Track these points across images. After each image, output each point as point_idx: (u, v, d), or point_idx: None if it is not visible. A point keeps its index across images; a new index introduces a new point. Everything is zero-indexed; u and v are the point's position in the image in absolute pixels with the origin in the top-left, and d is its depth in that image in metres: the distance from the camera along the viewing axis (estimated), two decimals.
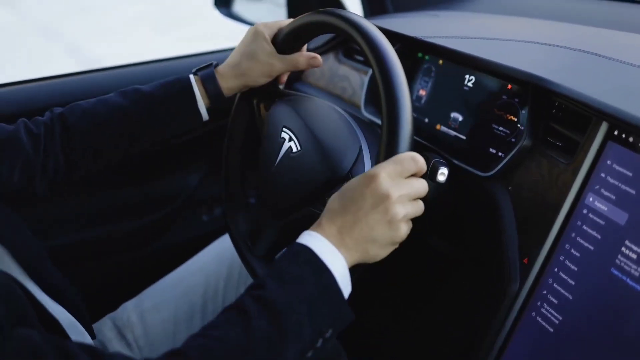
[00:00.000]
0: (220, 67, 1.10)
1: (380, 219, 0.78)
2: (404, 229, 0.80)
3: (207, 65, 1.10)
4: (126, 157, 1.10)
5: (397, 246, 0.82)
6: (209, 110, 1.10)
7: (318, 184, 0.97)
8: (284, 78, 1.16)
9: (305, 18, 1.02)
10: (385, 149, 0.83)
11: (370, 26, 0.90)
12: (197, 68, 1.10)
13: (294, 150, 1.01)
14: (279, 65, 1.08)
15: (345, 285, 0.77)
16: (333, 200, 0.82)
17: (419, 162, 0.81)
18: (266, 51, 1.07)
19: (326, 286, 0.75)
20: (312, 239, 0.78)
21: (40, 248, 1.00)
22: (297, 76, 1.60)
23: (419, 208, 0.83)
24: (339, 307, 0.76)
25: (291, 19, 1.08)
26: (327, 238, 0.78)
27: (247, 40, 1.09)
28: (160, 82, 1.09)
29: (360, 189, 0.79)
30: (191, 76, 1.09)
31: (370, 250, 0.80)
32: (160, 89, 1.08)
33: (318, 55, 1.11)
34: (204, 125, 1.12)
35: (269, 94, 1.14)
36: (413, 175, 0.82)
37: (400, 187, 0.79)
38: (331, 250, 0.77)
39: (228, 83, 1.09)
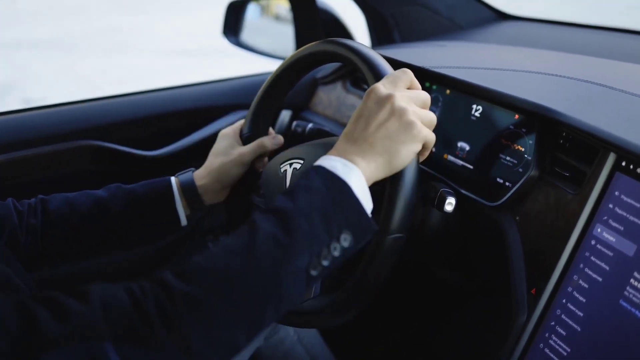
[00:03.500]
0: (197, 171, 1.16)
1: (389, 115, 0.79)
2: (419, 124, 0.80)
3: (186, 171, 1.16)
4: (103, 252, 1.11)
5: (419, 146, 0.81)
6: (187, 216, 1.13)
7: None
8: (259, 166, 1.18)
9: (255, 99, 1.13)
10: (372, 78, 0.86)
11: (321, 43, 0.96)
12: (178, 173, 1.15)
13: (299, 167, 1.01)
14: (247, 151, 1.14)
15: (365, 198, 0.76)
16: (344, 130, 0.83)
17: (409, 73, 0.84)
18: (232, 145, 1.15)
19: (341, 194, 0.74)
20: (324, 159, 0.78)
21: (30, 281, 1.00)
22: (304, 105, 1.61)
23: (429, 114, 0.83)
24: (357, 214, 0.74)
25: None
26: (339, 155, 0.78)
27: (217, 143, 1.17)
28: (142, 182, 1.13)
29: (364, 104, 0.82)
30: (172, 178, 1.13)
31: (389, 148, 0.79)
32: (141, 187, 1.11)
33: (279, 136, 1.19)
34: (182, 230, 1.15)
35: (253, 180, 1.17)
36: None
37: (401, 91, 0.82)
38: (343, 163, 0.77)
39: (202, 181, 1.13)
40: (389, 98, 0.80)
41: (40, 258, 1.05)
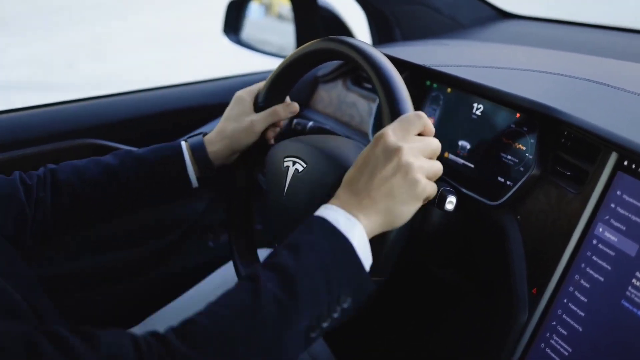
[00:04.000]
0: (207, 135, 1.14)
1: (394, 172, 0.77)
2: (423, 181, 0.79)
3: (196, 133, 1.15)
4: (114, 219, 1.12)
5: (421, 203, 0.81)
6: (198, 178, 1.13)
7: (330, 188, 0.95)
8: (271, 135, 1.18)
9: (275, 71, 1.09)
10: (388, 114, 0.84)
11: (351, 39, 0.94)
12: (187, 136, 1.15)
13: (300, 169, 1.01)
14: (260, 119, 1.13)
15: (365, 255, 0.75)
16: (348, 173, 0.82)
17: (424, 118, 0.81)
18: (246, 112, 1.13)
19: (343, 252, 0.73)
20: (327, 210, 0.77)
21: (32, 277, 1.00)
22: (305, 102, 1.61)
23: (435, 166, 0.82)
24: (358, 275, 0.74)
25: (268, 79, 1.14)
26: (342, 207, 0.77)
27: (230, 107, 1.16)
28: (152, 147, 1.12)
29: (371, 150, 0.80)
30: (182, 142, 1.12)
31: (391, 208, 0.78)
32: (151, 152, 1.11)
33: (295, 103, 1.16)
34: (192, 193, 1.15)
35: (261, 152, 1.16)
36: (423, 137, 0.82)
37: (410, 141, 0.79)
38: (346, 217, 0.76)
39: (214, 147, 1.12)
40: (397, 151, 0.78)
41: (52, 229, 1.05)
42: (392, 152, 0.78)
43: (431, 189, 0.81)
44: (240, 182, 1.19)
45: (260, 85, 1.15)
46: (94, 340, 0.65)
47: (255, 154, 1.17)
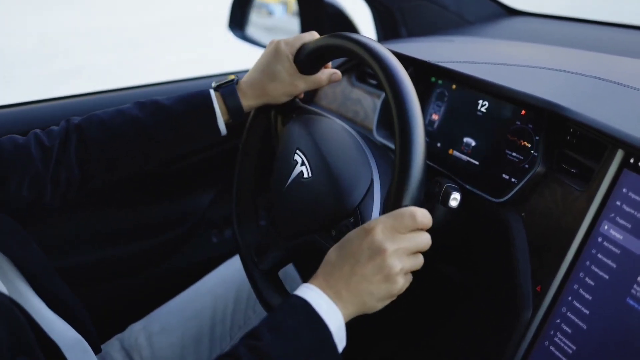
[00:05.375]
0: (242, 85, 1.08)
1: (376, 273, 0.78)
2: (401, 283, 0.79)
3: (228, 82, 1.08)
4: (142, 170, 1.09)
5: (394, 299, 0.82)
6: (228, 126, 1.09)
7: (325, 215, 0.96)
8: (302, 93, 1.14)
9: (329, 40, 1.01)
10: (392, 201, 0.83)
11: (393, 60, 0.89)
12: (217, 83, 1.08)
13: (305, 175, 1.00)
14: (301, 84, 1.07)
15: (340, 339, 0.77)
16: (331, 253, 0.82)
17: (418, 218, 0.79)
18: (288, 71, 1.06)
19: (322, 340, 0.75)
20: (310, 292, 0.78)
21: (46, 263, 1.00)
22: (309, 98, 1.61)
23: (417, 262, 0.81)
24: None
25: (314, 34, 1.07)
26: (323, 291, 0.78)
27: (268, 59, 1.07)
28: (179, 96, 1.07)
29: (358, 242, 0.79)
30: (212, 91, 1.07)
31: (367, 302, 0.79)
32: (180, 103, 1.06)
33: (337, 71, 1.11)
34: (221, 140, 1.11)
35: (287, 108, 1.14)
36: (417, 230, 0.81)
37: (397, 241, 0.78)
38: (328, 303, 0.77)
39: (249, 101, 1.08)
40: (382, 252, 0.77)
41: (78, 187, 1.04)
42: (377, 252, 0.77)
43: (408, 283, 0.81)
44: (257, 134, 1.17)
45: (304, 38, 1.06)
46: None
47: (280, 110, 1.14)
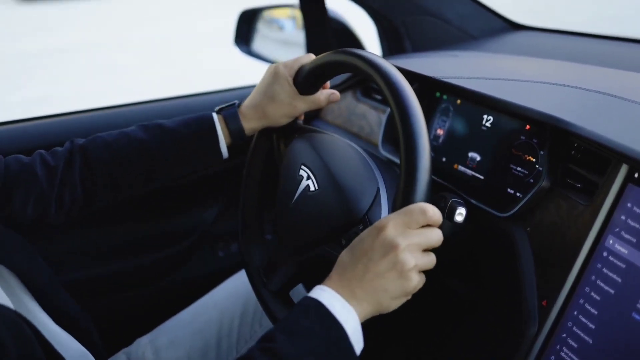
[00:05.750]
0: (243, 107, 1.10)
1: (389, 269, 0.78)
2: (416, 279, 0.79)
3: (229, 105, 1.11)
4: (145, 191, 1.10)
5: (409, 297, 0.81)
6: (229, 148, 1.11)
7: (334, 226, 0.97)
8: (302, 115, 1.16)
9: (327, 57, 1.03)
10: (400, 199, 0.83)
11: (392, 70, 0.90)
12: (219, 107, 1.11)
13: (312, 189, 1.01)
14: (301, 105, 1.09)
15: (357, 340, 0.77)
16: (344, 254, 0.82)
17: (429, 213, 0.80)
18: (288, 93, 1.08)
19: (337, 340, 0.75)
20: (323, 293, 0.78)
21: (52, 277, 1.00)
22: (315, 114, 1.61)
23: (430, 259, 0.81)
24: None
25: (311, 56, 1.09)
26: (337, 291, 0.78)
27: (268, 81, 1.09)
28: (182, 119, 1.09)
29: (370, 240, 0.79)
30: (214, 114, 1.09)
31: (382, 301, 0.79)
32: (183, 126, 1.08)
33: (336, 91, 1.13)
34: (223, 162, 1.12)
35: (288, 130, 1.15)
36: (428, 226, 0.81)
37: (409, 237, 0.79)
38: (342, 304, 0.77)
39: (250, 124, 1.10)
40: (394, 248, 0.77)
41: (83, 207, 1.05)
42: (390, 248, 0.78)
43: (422, 281, 0.81)
44: (260, 155, 1.18)
45: (302, 60, 1.09)
46: None
47: (281, 132, 1.15)
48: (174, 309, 1.35)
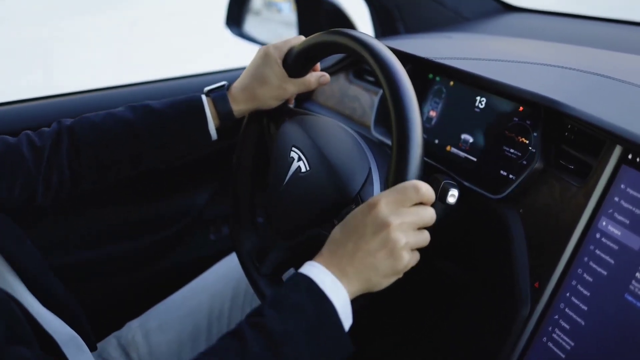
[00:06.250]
0: (232, 89, 1.10)
1: (380, 247, 0.77)
2: (406, 258, 0.78)
3: (219, 87, 1.10)
4: (133, 173, 1.09)
5: (400, 276, 0.81)
6: (218, 130, 1.10)
7: (326, 205, 0.96)
8: (293, 98, 1.16)
9: (316, 38, 1.02)
10: (392, 176, 0.82)
11: (381, 47, 0.90)
12: (208, 88, 1.10)
13: (303, 170, 1.00)
14: (291, 88, 1.09)
15: (346, 317, 0.77)
16: (336, 231, 0.81)
17: (422, 190, 0.79)
18: (277, 75, 1.07)
19: (326, 315, 0.75)
20: (313, 269, 0.77)
21: (41, 261, 1.00)
22: (307, 96, 1.60)
23: (423, 238, 0.81)
24: (339, 337, 0.75)
25: (301, 37, 1.08)
26: (328, 268, 0.77)
27: (258, 63, 1.09)
28: (171, 100, 1.08)
29: (362, 217, 0.79)
30: (203, 96, 1.08)
31: (372, 279, 0.78)
32: (171, 108, 1.07)
33: (326, 73, 1.13)
34: (212, 145, 1.12)
35: (278, 113, 1.14)
36: (421, 204, 0.80)
37: (401, 215, 0.78)
38: (332, 280, 0.76)
39: (239, 106, 1.09)
40: (386, 226, 0.77)
41: (70, 188, 1.04)
42: (381, 226, 0.77)
43: (414, 260, 0.81)
44: (251, 140, 1.17)
45: (292, 42, 1.08)
46: None
47: (271, 116, 1.14)
48: (165, 293, 1.34)
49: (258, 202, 1.21)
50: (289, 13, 1.96)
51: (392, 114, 0.84)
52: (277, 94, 1.09)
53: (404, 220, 0.78)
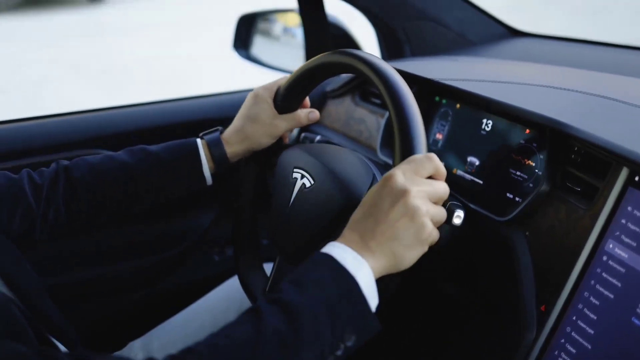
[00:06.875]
0: (225, 133, 1.12)
1: (401, 215, 0.76)
2: (429, 226, 0.77)
3: (212, 130, 1.13)
4: (128, 214, 1.11)
5: (425, 248, 0.79)
6: (213, 175, 1.12)
7: (335, 213, 0.95)
8: (287, 135, 1.17)
9: (297, 71, 1.06)
10: (400, 153, 0.83)
11: (369, 55, 0.92)
12: (203, 133, 1.12)
13: (308, 185, 1.00)
14: (282, 124, 1.11)
15: (372, 294, 0.74)
16: (355, 212, 0.81)
17: (435, 161, 0.80)
18: (268, 113, 1.10)
19: (348, 291, 0.73)
20: (334, 248, 0.76)
21: (38, 282, 0.99)
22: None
23: (441, 212, 0.80)
24: (363, 314, 0.73)
25: (286, 76, 1.11)
26: (348, 245, 0.76)
27: (249, 105, 1.12)
28: (167, 144, 1.11)
29: (378, 192, 0.78)
30: (198, 140, 1.11)
31: (396, 251, 0.77)
32: (167, 151, 1.10)
33: (315, 110, 1.15)
34: (206, 189, 1.14)
35: (275, 147, 1.15)
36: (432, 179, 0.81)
37: (418, 184, 0.78)
38: (353, 257, 0.75)
39: (233, 148, 1.11)
40: (404, 194, 0.76)
41: (65, 227, 1.06)
42: (399, 194, 0.77)
43: (436, 235, 0.80)
44: (249, 182, 1.18)
45: (279, 82, 1.12)
46: None
47: (268, 153, 1.15)
48: (168, 313, 1.34)
49: (262, 225, 1.21)
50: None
51: (389, 105, 0.86)
52: (268, 131, 1.11)
53: (421, 189, 0.78)
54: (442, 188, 0.81)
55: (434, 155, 0.81)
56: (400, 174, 0.78)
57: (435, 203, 0.80)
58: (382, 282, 0.78)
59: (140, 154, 1.09)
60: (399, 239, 0.76)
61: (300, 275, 0.74)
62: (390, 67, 0.91)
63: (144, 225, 1.66)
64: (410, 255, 0.78)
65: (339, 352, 0.71)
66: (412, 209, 0.76)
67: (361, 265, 0.74)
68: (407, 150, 0.82)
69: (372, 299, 0.75)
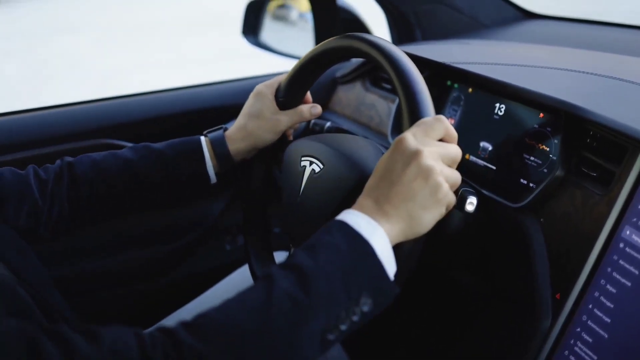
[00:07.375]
0: (229, 130, 1.12)
1: (415, 176, 0.75)
2: (445, 186, 0.76)
3: (216, 128, 1.13)
4: (131, 212, 1.11)
5: (443, 211, 0.78)
6: (217, 173, 1.12)
7: (347, 192, 0.94)
8: (290, 132, 1.17)
9: (297, 65, 1.07)
10: (408, 117, 0.82)
11: (373, 37, 0.92)
12: (207, 130, 1.12)
13: (317, 170, 0.99)
14: (284, 119, 1.11)
15: (388, 261, 0.73)
16: (369, 180, 0.80)
17: (445, 122, 0.79)
18: (270, 108, 1.11)
19: (363, 254, 0.71)
20: (348, 215, 0.75)
21: (44, 273, 0.99)
22: (323, 105, 1.59)
23: (455, 174, 0.79)
24: (379, 278, 0.72)
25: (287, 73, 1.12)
26: (363, 211, 0.75)
27: (251, 102, 1.13)
28: (171, 141, 1.11)
29: (391, 156, 0.77)
30: (201, 138, 1.11)
31: (413, 213, 0.75)
32: (170, 148, 1.09)
33: (317, 105, 1.15)
34: (210, 188, 1.13)
35: (281, 142, 1.15)
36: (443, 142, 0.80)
37: (430, 145, 0.77)
38: (367, 221, 0.74)
39: (236, 144, 1.11)
40: (416, 155, 0.75)
41: (69, 222, 1.06)
42: (412, 156, 0.75)
43: (452, 197, 0.79)
44: (257, 179, 1.18)
45: (280, 78, 1.13)
46: (97, 338, 0.63)
47: (273, 150, 1.15)
48: (179, 302, 1.34)
49: (272, 214, 1.21)
50: None
51: (391, 74, 0.86)
52: (271, 127, 1.11)
53: (433, 149, 0.77)
54: (454, 150, 0.80)
55: (443, 117, 0.80)
56: (411, 136, 0.77)
57: (449, 166, 0.79)
58: (401, 251, 0.77)
59: (144, 151, 1.09)
60: (414, 199, 0.75)
61: (313, 240, 0.73)
62: (386, 40, 0.91)
63: (155, 215, 1.66)
64: (427, 217, 0.76)
65: (355, 318, 0.70)
66: (426, 169, 0.75)
67: (375, 230, 0.73)
68: (415, 114, 0.82)
69: (389, 265, 0.73)
